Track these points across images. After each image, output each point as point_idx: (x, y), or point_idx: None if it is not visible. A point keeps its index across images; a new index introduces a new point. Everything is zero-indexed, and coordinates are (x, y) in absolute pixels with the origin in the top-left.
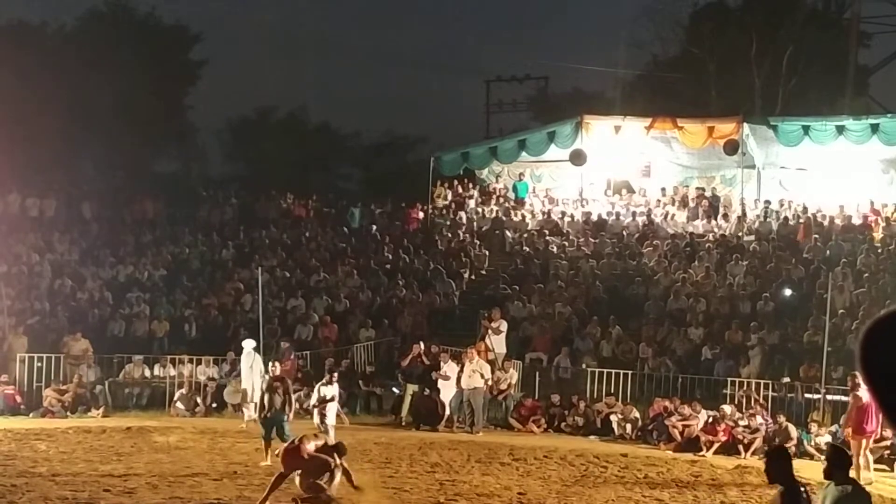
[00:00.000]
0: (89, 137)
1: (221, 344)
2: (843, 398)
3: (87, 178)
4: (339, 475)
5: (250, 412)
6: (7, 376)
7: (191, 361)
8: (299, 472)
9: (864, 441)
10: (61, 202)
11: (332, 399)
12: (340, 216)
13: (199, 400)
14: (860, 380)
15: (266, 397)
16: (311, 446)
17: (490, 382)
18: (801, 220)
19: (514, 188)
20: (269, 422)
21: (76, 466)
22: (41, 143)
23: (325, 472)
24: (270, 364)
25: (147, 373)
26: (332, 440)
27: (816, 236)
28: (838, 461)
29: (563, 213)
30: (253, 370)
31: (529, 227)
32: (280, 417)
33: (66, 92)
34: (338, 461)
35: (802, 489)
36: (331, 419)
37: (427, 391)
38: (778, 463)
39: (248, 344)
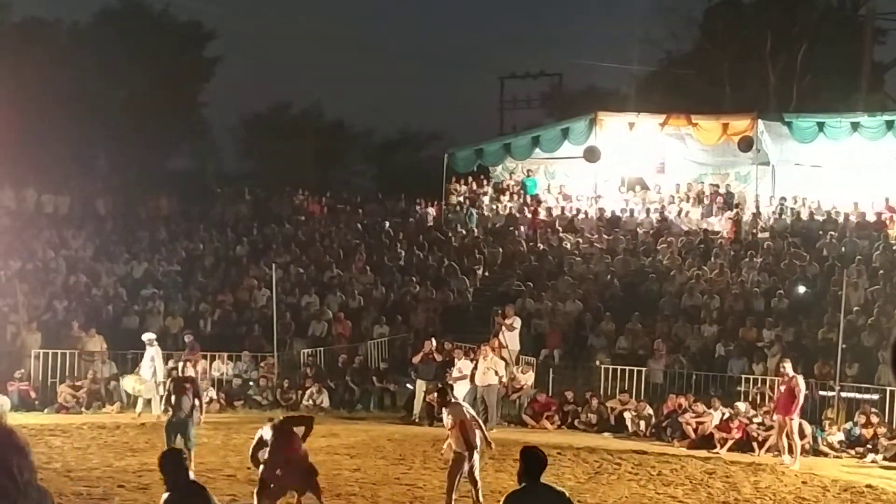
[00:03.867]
0: (104, 134)
1: (236, 340)
2: (858, 395)
3: (102, 175)
4: None
5: (157, 406)
6: (21, 372)
7: (205, 357)
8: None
9: (786, 419)
10: (76, 199)
11: None
12: (353, 213)
13: (214, 396)
14: (788, 369)
15: (173, 399)
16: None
17: (504, 379)
18: (731, 217)
19: (524, 185)
20: (175, 426)
21: (90, 462)
22: (56, 140)
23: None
24: (181, 363)
25: None
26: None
27: (833, 233)
28: (528, 464)
29: (577, 210)
30: (154, 362)
31: (543, 224)
32: (187, 422)
33: (80, 89)
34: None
35: (198, 490)
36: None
37: (440, 387)
38: (170, 465)
39: (147, 336)
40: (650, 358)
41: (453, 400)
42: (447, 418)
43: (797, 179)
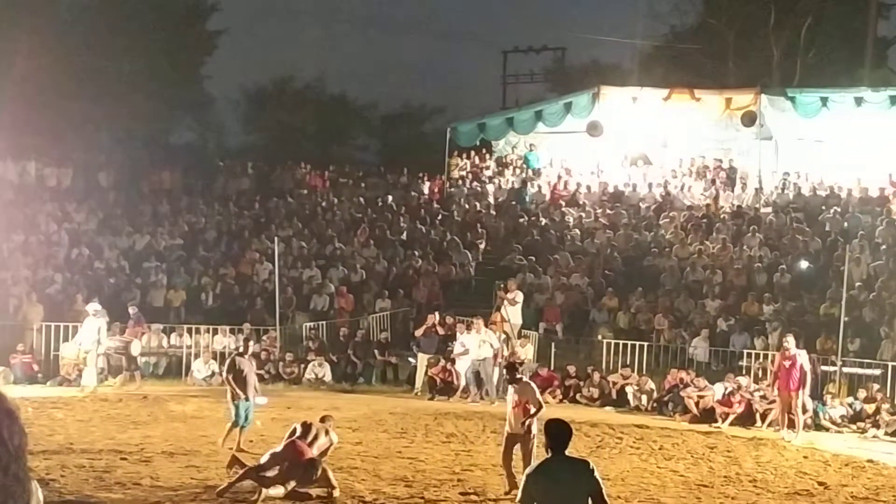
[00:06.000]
0: (107, 107)
1: (238, 313)
2: (860, 370)
3: (105, 148)
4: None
5: (92, 378)
6: (24, 345)
7: (207, 331)
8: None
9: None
10: (79, 172)
11: None
12: (355, 187)
13: (216, 369)
14: (790, 344)
15: (232, 377)
16: (315, 449)
17: (498, 351)
18: (706, 194)
19: (526, 159)
20: (245, 405)
21: (93, 435)
22: (59, 113)
23: (312, 478)
24: (245, 339)
25: (164, 342)
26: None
27: (836, 208)
28: (551, 436)
29: (580, 185)
30: (99, 334)
31: (546, 199)
32: (250, 402)
33: (83, 61)
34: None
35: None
36: None
37: (442, 361)
38: None
39: (93, 307)
40: (696, 336)
41: (524, 378)
42: (513, 396)
43: (800, 154)
